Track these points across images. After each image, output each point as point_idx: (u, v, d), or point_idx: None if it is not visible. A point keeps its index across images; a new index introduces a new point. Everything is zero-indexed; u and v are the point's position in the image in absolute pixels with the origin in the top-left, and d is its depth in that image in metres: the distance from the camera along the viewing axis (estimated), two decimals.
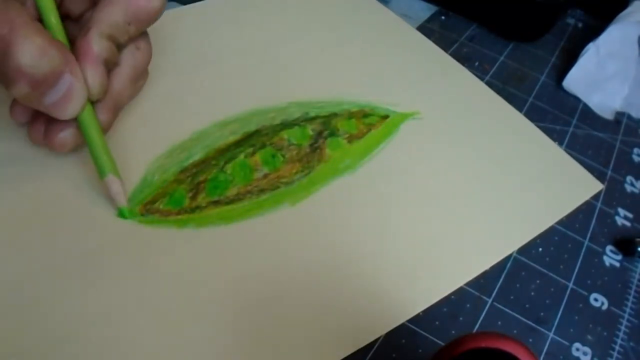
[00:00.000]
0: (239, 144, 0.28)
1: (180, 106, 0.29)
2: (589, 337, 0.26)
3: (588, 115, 0.38)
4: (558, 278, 0.27)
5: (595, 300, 0.27)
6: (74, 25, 0.24)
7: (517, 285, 0.27)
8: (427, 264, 0.25)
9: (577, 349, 0.25)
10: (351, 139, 0.30)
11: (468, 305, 0.25)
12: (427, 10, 0.42)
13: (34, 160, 0.25)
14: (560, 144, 0.34)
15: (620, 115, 0.39)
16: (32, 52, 0.19)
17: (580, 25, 0.46)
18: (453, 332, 0.24)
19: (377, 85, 0.33)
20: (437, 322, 0.24)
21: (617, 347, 0.26)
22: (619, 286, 0.28)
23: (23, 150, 0.25)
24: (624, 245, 0.30)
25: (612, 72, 0.39)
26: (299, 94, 0.31)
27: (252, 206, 0.26)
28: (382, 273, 0.24)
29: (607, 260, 0.29)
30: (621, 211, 0.32)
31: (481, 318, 0.25)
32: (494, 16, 0.41)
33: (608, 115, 0.38)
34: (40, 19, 0.22)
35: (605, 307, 0.27)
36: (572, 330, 0.26)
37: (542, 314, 0.26)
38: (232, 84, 0.31)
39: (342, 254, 0.25)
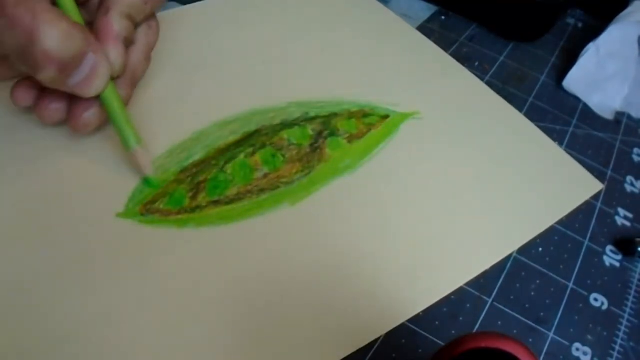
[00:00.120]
0: (239, 144, 0.28)
1: (180, 106, 0.29)
2: (589, 337, 0.26)
3: (588, 115, 0.38)
4: (558, 278, 0.27)
5: (595, 300, 0.27)
6: (82, 9, 0.25)
7: (517, 285, 0.27)
8: (427, 264, 0.25)
9: (577, 349, 0.25)
10: (351, 138, 0.30)
11: (468, 305, 0.25)
12: (427, 10, 0.42)
13: (34, 161, 0.25)
14: (560, 144, 0.34)
15: (620, 115, 0.39)
16: (57, 36, 0.20)
17: (580, 25, 0.46)
18: (453, 332, 0.24)
19: (377, 85, 0.33)
20: (437, 322, 0.24)
21: (617, 347, 0.26)
22: (619, 286, 0.28)
23: (23, 150, 0.25)
24: (624, 245, 0.30)
25: (612, 72, 0.39)
26: (299, 94, 0.31)
27: (252, 206, 0.26)
28: (382, 273, 0.24)
29: (607, 260, 0.29)
30: (621, 211, 0.32)
31: (481, 318, 0.25)
32: (494, 16, 0.41)
33: (608, 115, 0.38)
34: (55, 3, 0.22)
35: (605, 307, 0.27)
36: (572, 330, 0.26)
37: (542, 314, 0.26)
38: (232, 84, 0.31)
39: (342, 254, 0.25)
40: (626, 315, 0.27)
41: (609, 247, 0.30)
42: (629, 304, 0.27)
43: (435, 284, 0.25)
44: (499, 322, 0.25)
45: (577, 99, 0.39)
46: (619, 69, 0.39)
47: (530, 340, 0.25)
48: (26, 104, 0.24)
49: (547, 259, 0.28)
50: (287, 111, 0.30)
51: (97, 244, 0.23)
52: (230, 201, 0.26)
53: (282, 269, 0.24)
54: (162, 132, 0.27)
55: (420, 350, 0.23)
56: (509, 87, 0.38)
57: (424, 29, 0.40)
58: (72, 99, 0.24)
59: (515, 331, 0.25)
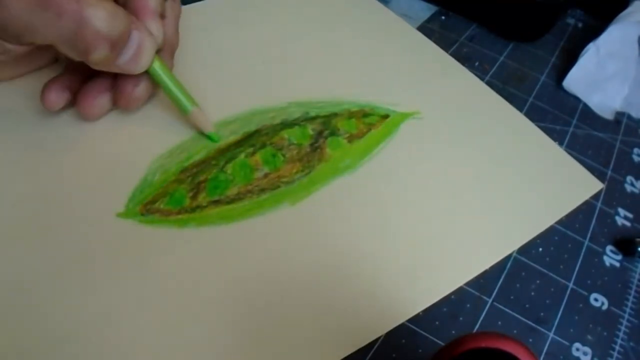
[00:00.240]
0: (239, 143, 0.28)
1: None
2: (589, 337, 0.26)
3: (588, 115, 0.38)
4: (558, 278, 0.27)
5: (595, 300, 0.27)
6: None
7: (517, 285, 0.27)
8: (427, 264, 0.25)
9: (577, 349, 0.25)
10: (351, 138, 0.30)
11: (468, 305, 0.25)
12: (427, 10, 0.42)
13: (34, 161, 0.25)
14: (561, 144, 0.34)
15: (620, 115, 0.39)
16: (104, 16, 0.21)
17: (580, 25, 0.46)
18: (453, 332, 0.24)
19: (377, 85, 0.33)
20: (437, 322, 0.24)
21: (617, 347, 0.26)
22: (619, 286, 0.28)
23: (23, 150, 0.25)
24: (624, 245, 0.30)
25: (612, 72, 0.39)
26: (299, 93, 0.31)
27: (253, 206, 0.26)
28: (382, 273, 0.24)
29: (607, 260, 0.29)
30: (621, 211, 0.32)
31: (481, 318, 0.25)
32: (494, 16, 0.41)
33: (608, 115, 0.38)
34: None
35: (605, 307, 0.27)
36: (572, 330, 0.26)
37: (542, 314, 0.26)
38: (232, 84, 0.31)
39: (342, 253, 0.25)
40: (626, 315, 0.27)
41: (609, 247, 0.30)
42: (629, 304, 0.27)
43: (435, 284, 0.25)
44: (499, 322, 0.25)
45: (577, 99, 0.39)
46: (619, 69, 0.39)
47: (530, 340, 0.25)
48: (60, 106, 0.25)
49: (547, 259, 0.28)
50: (287, 111, 0.30)
51: (97, 244, 0.23)
52: (231, 201, 0.26)
53: (282, 269, 0.24)
54: (163, 132, 0.27)
55: (420, 350, 0.23)
56: (509, 87, 0.38)
57: (424, 29, 0.40)
58: (118, 79, 0.25)
59: (515, 331, 0.25)
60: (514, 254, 0.28)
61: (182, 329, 0.21)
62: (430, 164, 0.29)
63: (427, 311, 0.24)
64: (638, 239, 0.29)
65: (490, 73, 0.38)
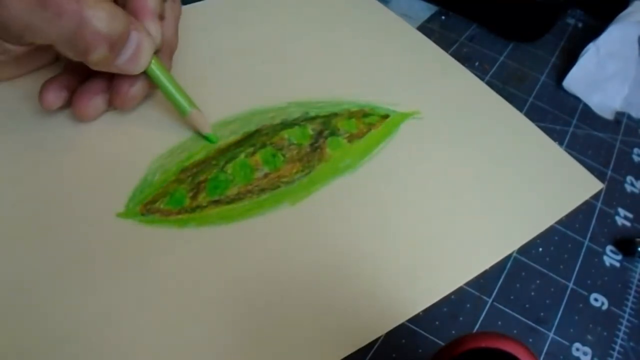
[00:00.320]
0: (239, 143, 0.28)
1: None
2: (589, 337, 0.26)
3: (588, 115, 0.38)
4: (558, 278, 0.27)
5: (595, 300, 0.27)
6: None
7: (517, 285, 0.27)
8: (427, 264, 0.25)
9: (577, 349, 0.25)
10: (351, 138, 0.30)
11: (468, 305, 0.25)
12: (427, 10, 0.42)
13: (34, 160, 0.25)
14: (561, 144, 0.34)
15: (620, 115, 0.39)
16: (104, 16, 0.21)
17: (580, 25, 0.46)
18: (453, 332, 0.24)
19: (377, 85, 0.33)
20: (437, 322, 0.24)
21: (617, 347, 0.26)
22: (619, 286, 0.28)
23: (22, 150, 0.25)
24: (624, 245, 0.30)
25: (612, 72, 0.39)
26: (299, 93, 0.31)
27: (253, 206, 0.26)
28: (382, 273, 0.24)
29: (607, 260, 0.29)
30: (621, 211, 0.32)
31: (481, 318, 0.25)
32: (494, 16, 0.41)
33: (608, 115, 0.38)
34: None
35: (605, 307, 0.27)
36: (572, 330, 0.26)
37: (542, 314, 0.26)
38: (232, 84, 0.31)
39: (342, 253, 0.25)
40: (626, 315, 0.27)
41: (609, 247, 0.30)
42: (629, 304, 0.27)
43: (435, 284, 0.25)
44: (499, 322, 0.25)
45: (577, 99, 0.39)
46: (619, 69, 0.39)
47: (530, 340, 0.25)
48: (57, 106, 0.25)
49: (547, 259, 0.28)
50: (287, 111, 0.30)
51: (97, 244, 0.23)
52: (231, 201, 0.26)
53: (282, 269, 0.24)
54: (163, 132, 0.27)
55: (420, 350, 0.23)
56: (509, 87, 0.38)
57: (424, 29, 0.40)
58: (115, 79, 0.25)
59: (515, 331, 0.25)
60: (514, 254, 0.28)
61: (182, 329, 0.21)
62: (430, 164, 0.29)
63: (427, 311, 0.24)
64: (638, 239, 0.29)
65: (490, 73, 0.38)
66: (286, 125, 0.29)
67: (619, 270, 0.29)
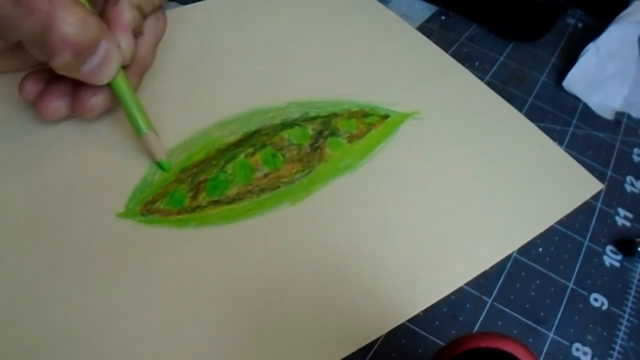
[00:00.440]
0: (239, 143, 0.28)
1: (180, 106, 0.29)
2: (589, 337, 0.26)
3: (588, 115, 0.38)
4: (558, 278, 0.27)
5: (595, 300, 0.27)
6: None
7: (517, 285, 0.27)
8: (427, 264, 0.25)
9: (577, 349, 0.25)
10: (351, 138, 0.30)
11: (468, 305, 0.25)
12: (427, 10, 0.42)
13: (34, 161, 0.25)
14: (560, 144, 0.34)
15: (620, 115, 0.39)
16: (74, 22, 0.21)
17: (580, 25, 0.46)
18: (453, 332, 0.24)
19: (377, 85, 0.33)
20: (437, 322, 0.24)
21: (617, 347, 0.26)
22: (619, 286, 0.28)
23: (22, 150, 0.25)
24: (624, 245, 0.30)
25: (612, 72, 0.39)
26: (299, 94, 0.31)
27: (253, 206, 0.26)
28: (382, 273, 0.24)
29: (607, 260, 0.29)
30: (621, 211, 0.32)
31: (481, 318, 0.25)
32: (494, 16, 0.41)
33: (608, 115, 0.38)
34: None
35: (605, 307, 0.27)
36: (572, 330, 0.26)
37: (542, 314, 0.26)
38: (232, 84, 0.31)
39: (342, 253, 0.25)
40: (626, 315, 0.27)
41: (609, 247, 0.30)
42: (629, 304, 0.27)
43: (435, 284, 0.25)
44: (499, 322, 0.25)
45: (577, 99, 0.39)
46: (619, 69, 0.39)
47: (530, 340, 0.25)
48: (31, 98, 0.25)
49: (547, 259, 0.28)
50: (287, 111, 0.30)
51: (97, 244, 0.23)
52: (231, 201, 0.26)
53: (282, 269, 0.24)
54: (162, 132, 0.27)
55: (420, 350, 0.23)
56: (509, 87, 0.38)
57: (424, 29, 0.40)
58: (79, 86, 0.24)
59: (515, 331, 0.25)
60: (514, 254, 0.28)
61: (182, 329, 0.21)
62: (430, 164, 0.29)
63: (427, 311, 0.24)
64: (638, 239, 0.29)
65: (490, 73, 0.38)
66: (286, 125, 0.29)
67: (619, 270, 0.29)
